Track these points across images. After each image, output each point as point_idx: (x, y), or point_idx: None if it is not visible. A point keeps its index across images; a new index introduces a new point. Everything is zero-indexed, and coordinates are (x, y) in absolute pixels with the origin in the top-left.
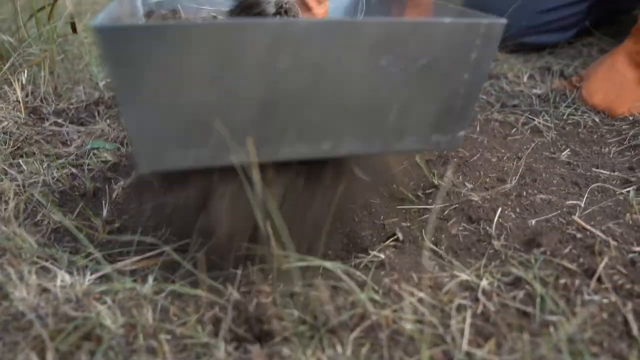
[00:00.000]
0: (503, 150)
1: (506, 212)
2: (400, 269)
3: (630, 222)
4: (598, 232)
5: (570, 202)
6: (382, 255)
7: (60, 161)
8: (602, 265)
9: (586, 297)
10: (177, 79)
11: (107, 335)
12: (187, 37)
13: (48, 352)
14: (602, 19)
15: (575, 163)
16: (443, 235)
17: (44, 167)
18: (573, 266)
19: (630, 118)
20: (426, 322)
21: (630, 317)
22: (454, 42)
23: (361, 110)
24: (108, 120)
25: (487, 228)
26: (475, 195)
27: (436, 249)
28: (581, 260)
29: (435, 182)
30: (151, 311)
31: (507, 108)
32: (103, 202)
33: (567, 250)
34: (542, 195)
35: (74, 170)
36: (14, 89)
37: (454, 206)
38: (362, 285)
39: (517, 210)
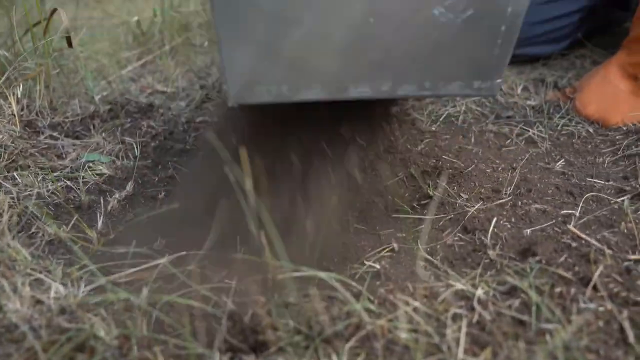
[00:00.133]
0: (498, 161)
1: (501, 222)
2: (395, 279)
3: (625, 230)
4: (593, 241)
5: (565, 211)
6: (378, 266)
7: (55, 174)
8: (597, 273)
9: (582, 305)
10: (269, 18)
11: (101, 346)
12: None
13: None
14: (594, 30)
15: (569, 173)
16: (438, 246)
17: (38, 180)
18: (568, 275)
19: (624, 128)
20: (421, 331)
21: (626, 325)
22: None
23: (416, 55)
24: (103, 134)
25: (483, 238)
26: (470, 205)
27: (431, 259)
28: (576, 268)
29: (431, 193)
30: (145, 322)
31: (502, 119)
32: (98, 214)
33: (562, 259)
34: (537, 205)
35: (69, 183)
36: (9, 103)
37: (450, 217)
38: (357, 296)
39: (512, 220)
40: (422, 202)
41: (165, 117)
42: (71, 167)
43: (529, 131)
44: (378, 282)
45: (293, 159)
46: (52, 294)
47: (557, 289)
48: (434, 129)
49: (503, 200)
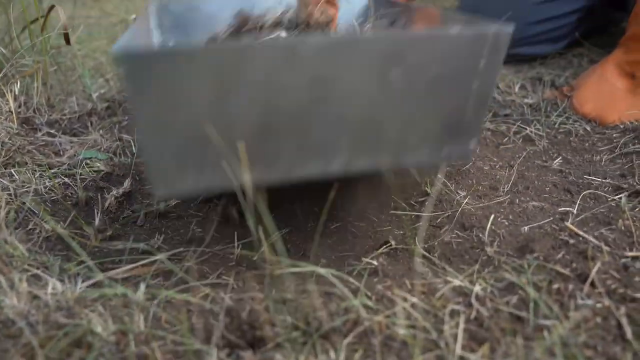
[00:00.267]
0: (495, 159)
1: (499, 219)
2: (393, 276)
3: (623, 228)
4: (591, 238)
5: (562, 208)
6: (375, 263)
7: (52, 171)
8: (595, 270)
9: (579, 301)
10: (188, 102)
11: (98, 342)
12: (192, 61)
13: (38, 359)
14: (592, 30)
15: (567, 171)
16: (436, 243)
17: (36, 176)
18: (566, 271)
19: (621, 126)
20: (419, 327)
21: (624, 321)
22: (461, 52)
23: (369, 126)
24: (101, 131)
25: (480, 235)
26: (468, 203)
27: (429, 255)
28: (574, 265)
29: (428, 190)
30: (143, 318)
31: (499, 117)
32: (95, 211)
33: (560, 255)
34: (534, 203)
35: (66, 179)
36: (7, 100)
37: (447, 214)
38: (355, 292)
39: (510, 217)
40: (420, 199)
41: None
42: (69, 164)
43: (526, 129)
44: (376, 278)
45: None
46: (50, 290)
47: (555, 286)
48: None
49: (501, 198)
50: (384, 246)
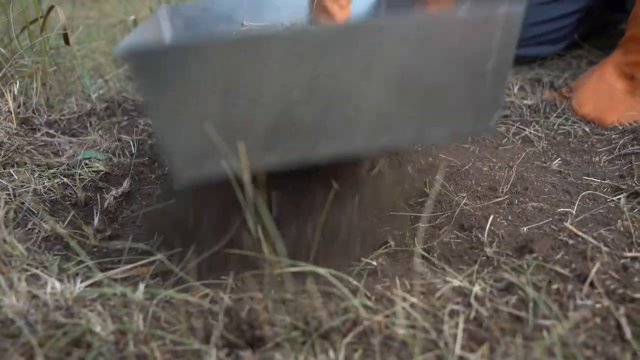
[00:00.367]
0: (494, 160)
1: (498, 219)
2: (392, 276)
3: (622, 228)
4: (590, 239)
5: (561, 209)
6: (375, 263)
7: (51, 171)
8: (594, 270)
9: (579, 301)
10: (202, 94)
11: (97, 341)
12: (204, 55)
13: (37, 358)
14: (590, 31)
15: (566, 172)
16: (435, 243)
17: (35, 176)
18: (565, 271)
19: (620, 127)
20: (419, 327)
21: (623, 321)
22: (475, 33)
23: (389, 106)
24: (100, 132)
25: (479, 235)
26: (467, 203)
27: (428, 256)
28: (573, 265)
29: (427, 191)
30: (142, 318)
31: (498, 118)
32: (94, 211)
33: (559, 256)
34: (533, 203)
35: (65, 179)
36: (6, 100)
37: (446, 214)
38: (354, 292)
39: (509, 217)
40: (419, 200)
41: None
42: (68, 164)
43: (525, 130)
44: (375, 278)
45: None
46: (49, 290)
47: (554, 286)
48: None
49: (500, 199)
50: (383, 247)
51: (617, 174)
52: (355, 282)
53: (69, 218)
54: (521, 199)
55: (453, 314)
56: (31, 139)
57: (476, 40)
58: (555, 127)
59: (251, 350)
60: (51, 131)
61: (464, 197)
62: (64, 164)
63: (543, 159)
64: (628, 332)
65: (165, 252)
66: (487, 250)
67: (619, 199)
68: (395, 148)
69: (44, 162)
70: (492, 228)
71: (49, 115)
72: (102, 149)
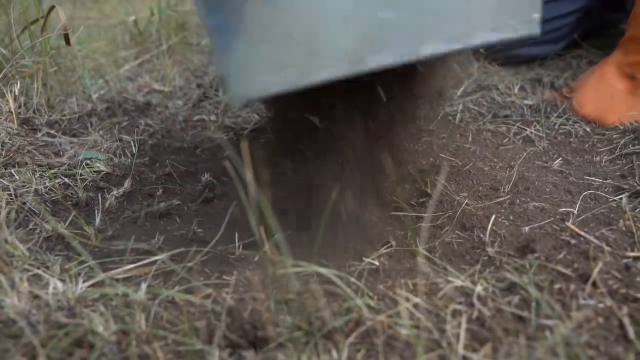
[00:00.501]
0: (495, 160)
1: (500, 219)
2: (394, 276)
3: (624, 228)
4: (592, 238)
5: (563, 209)
6: (377, 263)
7: (52, 171)
8: (596, 270)
9: (581, 301)
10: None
11: (100, 342)
12: None
13: (39, 359)
14: (590, 31)
15: (567, 171)
16: (437, 243)
17: (36, 176)
18: (568, 271)
19: (621, 127)
20: (422, 327)
21: (626, 321)
22: None
23: (432, 9)
24: (101, 132)
25: (481, 235)
26: (468, 203)
27: (430, 255)
28: (576, 265)
29: (429, 191)
30: (144, 318)
31: (499, 118)
32: (96, 211)
33: (561, 255)
34: (535, 203)
35: (66, 180)
36: (7, 100)
37: (448, 214)
38: (356, 292)
39: (511, 217)
40: (420, 200)
41: (163, 115)
42: (69, 165)
43: (526, 130)
44: (377, 278)
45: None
46: (50, 290)
47: (557, 286)
48: (431, 127)
49: (501, 199)
50: (385, 246)
51: (618, 173)
52: (357, 283)
53: (70, 218)
54: (522, 198)
55: (456, 313)
56: (32, 139)
57: None
58: (556, 127)
59: (254, 351)
60: (52, 131)
61: (465, 197)
62: (65, 164)
63: (544, 159)
64: (631, 331)
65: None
66: (489, 250)
67: (621, 198)
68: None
69: (45, 162)
70: (494, 228)
71: (50, 116)
72: (102, 149)
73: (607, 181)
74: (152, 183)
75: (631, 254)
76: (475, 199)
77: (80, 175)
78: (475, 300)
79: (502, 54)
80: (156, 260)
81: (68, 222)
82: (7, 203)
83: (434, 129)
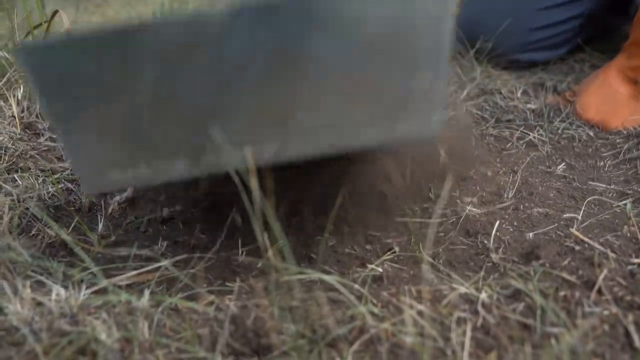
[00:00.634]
0: (499, 165)
1: (503, 225)
2: (398, 283)
3: (628, 234)
4: (596, 245)
5: (567, 215)
6: (380, 269)
7: (55, 176)
8: (601, 277)
9: (587, 308)
10: (96, 92)
11: (102, 350)
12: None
13: None
14: (593, 35)
15: (571, 176)
16: (440, 249)
17: (39, 182)
18: (572, 278)
19: (624, 132)
20: (426, 335)
21: (632, 329)
22: (397, 12)
23: (298, 107)
24: None
25: (485, 241)
26: (472, 209)
27: (434, 262)
28: (580, 272)
29: (432, 196)
30: (147, 325)
31: (502, 123)
32: (99, 216)
33: (566, 262)
34: (539, 209)
35: (69, 185)
36: (10, 105)
37: (451, 220)
38: (360, 299)
39: (515, 223)
40: (424, 205)
41: None
42: (72, 170)
43: (529, 135)
44: (381, 285)
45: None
46: (53, 297)
47: (562, 293)
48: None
49: (505, 204)
50: (388, 252)
51: (622, 178)
52: (361, 289)
53: (73, 224)
54: (526, 204)
55: (460, 321)
56: (35, 143)
57: (404, 19)
58: (559, 131)
59: (257, 359)
60: (55, 136)
61: (469, 203)
62: (68, 169)
63: (547, 164)
64: (637, 339)
65: (170, 258)
66: (493, 256)
67: (625, 204)
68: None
69: (48, 167)
70: (498, 234)
71: None
72: None
73: (611, 186)
74: (155, 188)
75: (636, 260)
76: (479, 205)
77: None
78: (479, 308)
79: (505, 58)
80: (159, 267)
81: (71, 228)
82: (10, 209)
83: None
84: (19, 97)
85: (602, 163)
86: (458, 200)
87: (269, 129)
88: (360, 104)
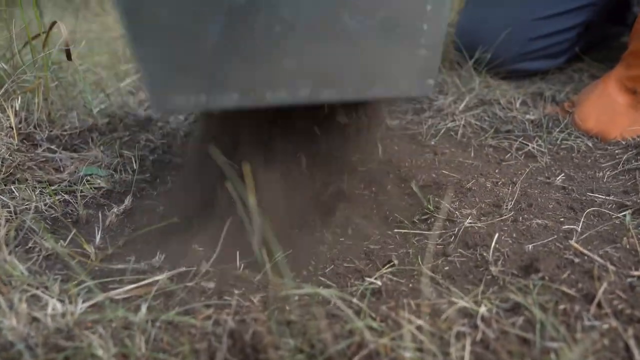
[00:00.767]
0: (498, 176)
1: (503, 237)
2: (397, 296)
3: (628, 246)
4: (596, 257)
5: (566, 226)
6: (379, 282)
7: (52, 188)
8: (601, 290)
9: (586, 322)
10: (177, 32)
11: None
12: None
13: None
14: (591, 45)
15: (570, 188)
16: (440, 262)
17: (36, 193)
18: (572, 291)
19: (623, 142)
20: (425, 350)
21: (632, 343)
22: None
23: (332, 61)
24: (102, 147)
25: (484, 254)
26: (471, 220)
27: (433, 275)
28: (580, 285)
29: (431, 208)
30: (144, 340)
31: (501, 134)
32: (96, 228)
33: (565, 275)
34: (538, 220)
35: (66, 196)
36: (8, 115)
37: (450, 232)
38: (358, 313)
39: (514, 235)
40: (423, 217)
41: (164, 130)
42: (69, 181)
43: (528, 145)
44: (380, 299)
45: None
46: (49, 311)
47: (561, 306)
48: (433, 143)
49: (504, 216)
50: (387, 265)
51: (621, 189)
52: (360, 304)
53: (70, 236)
54: (525, 215)
55: (459, 335)
56: (32, 154)
57: (412, 2)
58: (558, 142)
59: None
60: (52, 147)
61: (468, 215)
62: (65, 180)
63: (547, 175)
64: (637, 354)
65: (168, 271)
66: (493, 269)
67: (624, 215)
68: (339, 101)
69: (45, 178)
70: (497, 246)
71: (51, 131)
72: (103, 165)
73: (610, 197)
74: (153, 199)
75: (636, 273)
76: (478, 216)
77: (81, 192)
78: (479, 322)
79: (504, 68)
80: (157, 281)
81: (68, 240)
82: (7, 221)
83: (436, 144)
84: (17, 108)
85: (601, 174)
86: (457, 212)
87: (305, 77)
88: (377, 64)
